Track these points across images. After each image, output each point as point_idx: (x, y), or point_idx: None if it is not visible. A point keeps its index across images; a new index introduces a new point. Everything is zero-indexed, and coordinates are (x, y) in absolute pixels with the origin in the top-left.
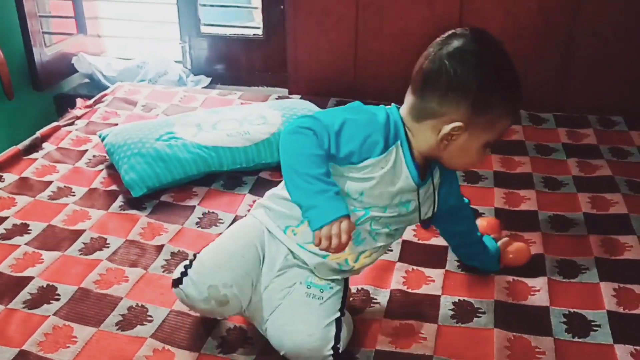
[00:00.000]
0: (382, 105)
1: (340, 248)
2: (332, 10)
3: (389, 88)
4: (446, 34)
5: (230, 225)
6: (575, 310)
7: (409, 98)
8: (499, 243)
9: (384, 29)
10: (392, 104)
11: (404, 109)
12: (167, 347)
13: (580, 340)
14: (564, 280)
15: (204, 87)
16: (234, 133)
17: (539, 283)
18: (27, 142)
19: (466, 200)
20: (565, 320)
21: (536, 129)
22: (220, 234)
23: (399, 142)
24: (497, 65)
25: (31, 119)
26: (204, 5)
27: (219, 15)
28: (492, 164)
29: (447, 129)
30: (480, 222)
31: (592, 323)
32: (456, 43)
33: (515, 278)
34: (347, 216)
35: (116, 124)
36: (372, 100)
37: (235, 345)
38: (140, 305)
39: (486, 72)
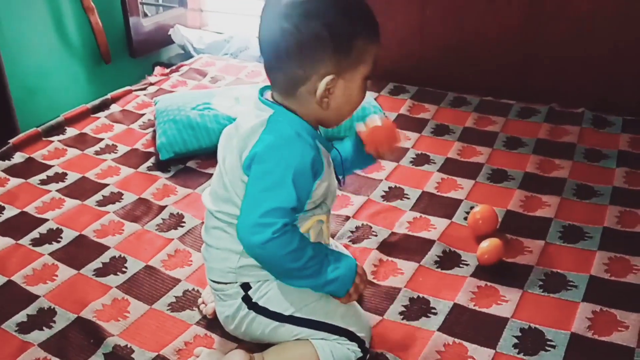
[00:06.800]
0: (266, 115)
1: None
2: None
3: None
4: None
5: None
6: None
7: (271, 78)
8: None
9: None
10: (262, 97)
11: (276, 94)
12: (209, 333)
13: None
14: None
15: None
16: None
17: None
18: (97, 101)
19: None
20: None
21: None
22: None
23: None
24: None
25: (127, 84)
26: None
27: None
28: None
29: (322, 87)
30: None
31: None
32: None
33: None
34: (355, 263)
35: None
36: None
37: None
38: (196, 290)
39: (330, 13)
